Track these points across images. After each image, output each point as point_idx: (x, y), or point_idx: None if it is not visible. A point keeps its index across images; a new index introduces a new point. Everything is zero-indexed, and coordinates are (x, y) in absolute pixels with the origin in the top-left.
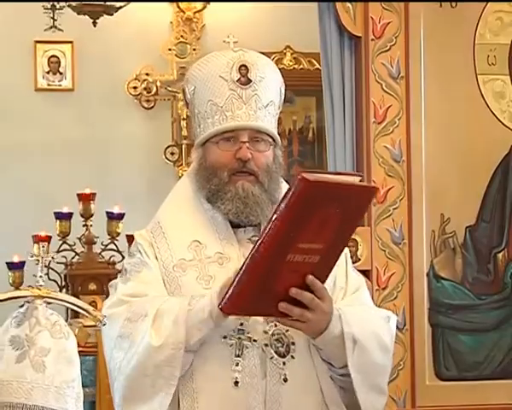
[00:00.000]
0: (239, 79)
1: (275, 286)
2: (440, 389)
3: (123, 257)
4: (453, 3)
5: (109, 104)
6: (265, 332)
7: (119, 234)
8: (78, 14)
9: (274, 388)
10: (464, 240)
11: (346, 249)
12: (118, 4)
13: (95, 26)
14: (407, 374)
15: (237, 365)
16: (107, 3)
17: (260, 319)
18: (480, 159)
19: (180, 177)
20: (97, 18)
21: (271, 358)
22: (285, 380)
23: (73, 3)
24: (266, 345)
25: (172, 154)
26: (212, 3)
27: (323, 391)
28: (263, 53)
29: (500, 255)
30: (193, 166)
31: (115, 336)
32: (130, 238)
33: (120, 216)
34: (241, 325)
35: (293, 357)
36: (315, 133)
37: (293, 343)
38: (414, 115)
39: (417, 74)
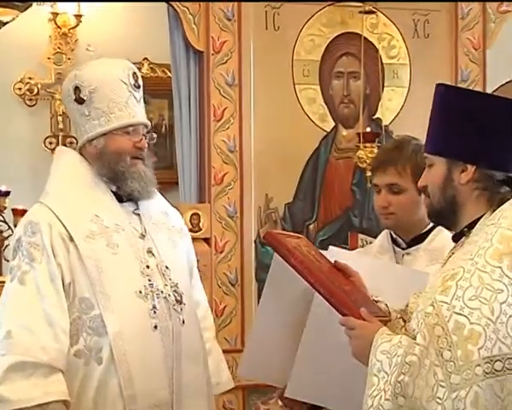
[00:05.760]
0: (134, 84)
1: None
2: None
3: (9, 227)
4: (276, 27)
5: None
6: (166, 285)
7: (5, 208)
8: None
9: (177, 329)
10: (284, 214)
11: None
12: (4, 20)
13: None
14: (238, 321)
15: (155, 312)
16: None
17: (159, 274)
18: (296, 151)
19: None
20: None
21: (173, 305)
22: (183, 322)
23: None
24: (169, 295)
25: (51, 143)
26: (83, 23)
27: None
28: None
29: (311, 226)
30: (87, 150)
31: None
32: (16, 211)
33: (7, 193)
34: (150, 280)
35: (184, 304)
36: (167, 129)
37: (183, 293)
38: (245, 115)
39: (248, 83)
